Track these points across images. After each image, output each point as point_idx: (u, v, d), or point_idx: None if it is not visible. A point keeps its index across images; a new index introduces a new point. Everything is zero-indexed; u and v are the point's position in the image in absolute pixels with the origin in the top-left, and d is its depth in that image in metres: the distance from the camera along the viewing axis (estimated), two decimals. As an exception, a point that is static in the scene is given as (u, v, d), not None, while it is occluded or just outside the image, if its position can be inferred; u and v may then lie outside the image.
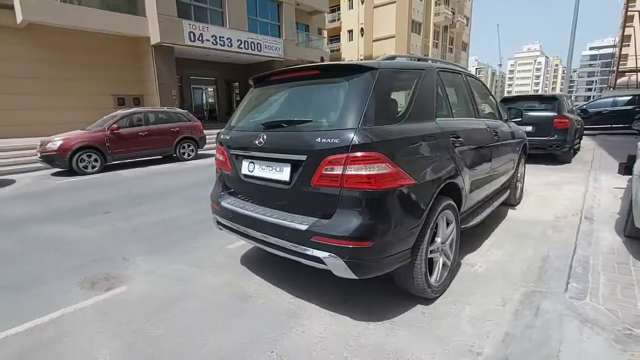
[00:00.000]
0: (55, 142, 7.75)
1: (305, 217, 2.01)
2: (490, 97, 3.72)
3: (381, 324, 2.10)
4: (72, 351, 1.96)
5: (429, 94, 2.35)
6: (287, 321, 2.17)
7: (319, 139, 1.89)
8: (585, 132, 11.50)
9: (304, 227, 1.93)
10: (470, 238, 3.37)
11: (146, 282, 2.76)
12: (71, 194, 6.09)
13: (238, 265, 2.99)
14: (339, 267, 1.85)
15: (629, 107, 12.56)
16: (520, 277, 2.63)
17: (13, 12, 11.17)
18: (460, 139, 2.49)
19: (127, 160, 9.05)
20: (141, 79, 14.84)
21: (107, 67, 13.84)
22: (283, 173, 2.09)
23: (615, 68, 27.23)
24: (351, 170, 1.79)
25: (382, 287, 2.46)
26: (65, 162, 7.78)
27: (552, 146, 7.09)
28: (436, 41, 37.89)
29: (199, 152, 10.36)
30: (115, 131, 8.44)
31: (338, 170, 1.82)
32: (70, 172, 7.93)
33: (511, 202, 4.35)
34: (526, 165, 7.11)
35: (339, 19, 36.39)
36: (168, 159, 9.87)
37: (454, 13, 39.48)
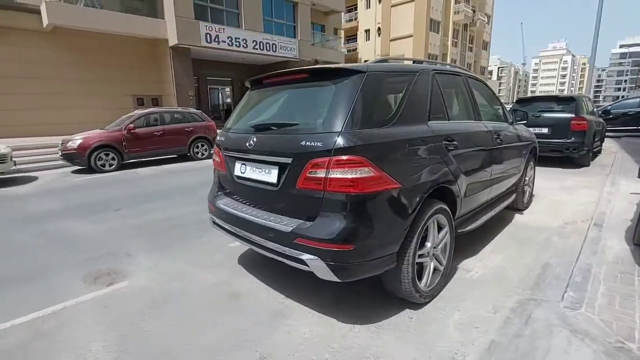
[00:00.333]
0: (75, 141, 8.09)
1: (291, 219, 2.04)
2: (495, 99, 3.64)
3: (367, 327, 2.10)
4: (69, 342, 2.06)
5: (421, 97, 2.33)
6: (275, 321, 2.21)
7: (303, 142, 1.91)
8: (608, 134, 11.05)
9: (288, 229, 1.96)
10: (470, 242, 3.31)
11: (146, 278, 2.86)
12: (87, 191, 6.35)
13: (235, 264, 3.05)
14: (321, 270, 1.87)
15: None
16: (516, 284, 2.57)
17: (39, 16, 11.72)
18: (455, 142, 2.45)
19: (143, 159, 9.34)
20: (160, 79, 15.26)
21: (127, 68, 14.30)
22: (271, 175, 2.12)
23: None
24: (334, 174, 1.81)
25: (374, 291, 2.46)
26: (84, 160, 8.11)
27: (568, 149, 6.84)
28: (455, 40, 37.15)
29: (212, 152, 10.56)
30: (131, 131, 8.73)
31: (321, 174, 1.84)
32: (89, 169, 8.26)
33: (518, 207, 4.23)
34: (542, 168, 6.97)
35: (356, 19, 36.22)
36: (182, 158, 10.11)
37: (474, 11, 38.56)
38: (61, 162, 8.70)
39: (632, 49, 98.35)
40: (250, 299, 2.48)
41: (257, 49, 16.32)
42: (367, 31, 35.39)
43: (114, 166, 8.48)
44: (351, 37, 37.32)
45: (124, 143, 8.61)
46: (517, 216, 4.15)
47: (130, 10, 13.50)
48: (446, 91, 2.72)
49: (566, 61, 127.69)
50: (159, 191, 6.14)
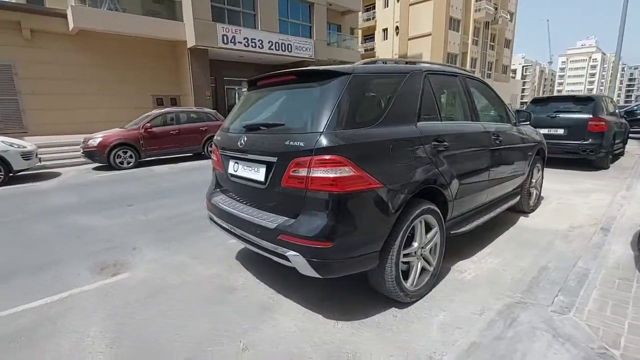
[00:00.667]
0: (95, 139, 8.47)
1: (276, 216, 2.10)
2: (497, 99, 3.58)
3: (350, 323, 2.15)
4: (70, 327, 2.20)
5: (410, 98, 2.34)
6: (262, 314, 2.28)
7: (287, 142, 1.97)
8: (632, 135, 10.56)
9: (272, 226, 2.02)
10: (467, 244, 3.28)
11: (147, 270, 2.99)
12: (104, 187, 6.65)
13: (233, 260, 3.15)
14: (302, 266, 1.93)
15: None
16: (509, 286, 2.54)
17: (66, 20, 12.31)
18: (446, 143, 2.44)
19: (159, 157, 9.66)
20: (178, 80, 15.71)
21: (147, 69, 14.80)
22: (259, 173, 2.20)
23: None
24: (315, 173, 1.86)
25: (363, 289, 2.49)
26: (103, 158, 8.47)
27: (585, 151, 6.60)
28: (476, 38, 36.29)
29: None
30: (148, 129, 9.05)
31: (303, 172, 1.89)
32: (109, 167, 8.63)
33: (524, 209, 4.14)
34: (558, 170, 6.77)
35: (373, 18, 36.00)
36: (197, 156, 10.38)
37: (496, 8, 37.54)
38: (83, 159, 9.12)
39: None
40: (243, 293, 2.57)
41: (272, 49, 16.51)
42: (385, 30, 35.12)
43: (131, 164, 8.82)
44: (368, 36, 37.14)
45: (141, 141, 8.94)
46: (522, 219, 4.07)
47: (151, 13, 13.97)
48: (440, 92, 2.71)
49: (595, 59, 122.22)
50: (170, 188, 6.36)
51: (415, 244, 2.29)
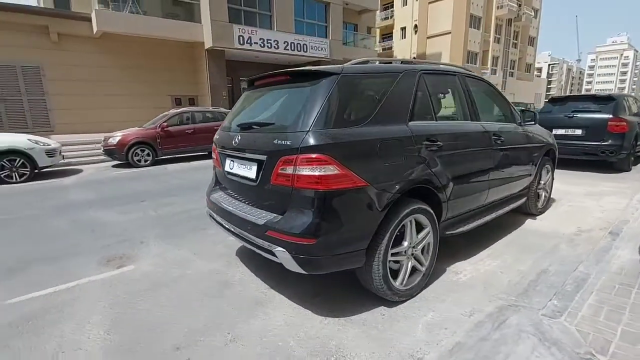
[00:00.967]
0: (115, 137, 8.82)
1: (266, 213, 2.16)
2: (500, 99, 3.51)
3: (337, 320, 2.18)
4: (74, 314, 2.34)
5: (403, 97, 2.35)
6: (254, 309, 2.34)
7: (276, 141, 2.03)
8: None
9: (261, 222, 2.08)
10: (467, 245, 3.25)
11: (151, 264, 3.12)
12: (121, 184, 6.92)
13: (232, 255, 3.24)
14: (288, 262, 1.98)
15: None
16: (504, 289, 2.51)
17: (90, 23, 12.86)
18: (439, 143, 2.43)
19: (175, 156, 9.95)
20: (196, 80, 16.10)
21: (166, 70, 15.26)
22: (251, 171, 2.27)
23: None
24: (301, 171, 1.90)
25: (356, 287, 2.50)
26: (122, 156, 8.81)
27: (604, 152, 6.34)
28: (498, 36, 35.31)
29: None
30: (165, 129, 9.34)
31: (290, 170, 1.94)
32: (127, 164, 8.97)
33: (531, 211, 4.05)
34: (575, 172, 6.55)
35: (392, 17, 35.63)
36: (210, 155, 10.60)
37: (520, 5, 36.41)
38: (104, 157, 9.51)
39: None
40: (238, 288, 2.64)
41: (288, 49, 16.66)
42: (403, 29, 34.69)
43: (148, 162, 9.13)
44: (386, 35, 36.79)
45: (158, 140, 9.24)
46: (528, 221, 3.97)
47: (170, 16, 14.38)
48: (436, 91, 2.70)
49: (627, 57, 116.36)
50: (182, 185, 6.55)
51: (406, 243, 2.30)
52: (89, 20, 12.84)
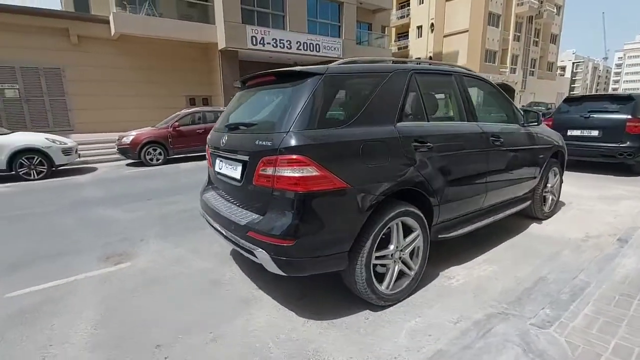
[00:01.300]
0: (129, 137, 9.07)
1: (249, 213, 2.17)
2: (502, 99, 3.39)
3: (320, 322, 2.16)
4: (68, 307, 2.41)
5: (390, 98, 2.30)
6: (239, 308, 2.36)
7: (257, 141, 2.02)
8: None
9: (243, 222, 2.09)
10: (464, 249, 3.17)
11: (148, 261, 3.18)
12: (132, 182, 7.11)
13: (226, 254, 3.26)
14: (267, 263, 1.97)
15: None
16: (496, 296, 2.42)
17: (109, 26, 13.26)
18: (429, 144, 2.37)
19: (186, 155, 10.13)
20: (209, 81, 16.35)
21: (181, 71, 15.56)
22: (236, 171, 2.27)
23: None
24: (281, 172, 1.89)
25: (343, 290, 2.47)
26: (135, 155, 9.04)
27: (622, 154, 6.06)
28: (518, 34, 34.35)
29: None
30: (177, 128, 9.53)
31: (270, 171, 1.94)
32: (140, 163, 9.20)
33: (537, 215, 3.90)
34: (590, 175, 6.29)
35: (408, 15, 35.17)
36: (222, 154, 10.75)
37: (541, 2, 35.27)
38: (118, 155, 9.79)
39: None
40: (227, 287, 2.66)
41: (300, 49, 16.68)
42: (419, 28, 34.17)
43: (160, 160, 9.33)
44: (402, 34, 36.35)
45: (169, 139, 9.44)
46: (533, 225, 3.83)
47: (185, 17, 14.65)
48: (429, 91, 2.63)
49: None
50: (189, 184, 6.65)
51: (392, 247, 2.25)
52: (107, 22, 13.23)
